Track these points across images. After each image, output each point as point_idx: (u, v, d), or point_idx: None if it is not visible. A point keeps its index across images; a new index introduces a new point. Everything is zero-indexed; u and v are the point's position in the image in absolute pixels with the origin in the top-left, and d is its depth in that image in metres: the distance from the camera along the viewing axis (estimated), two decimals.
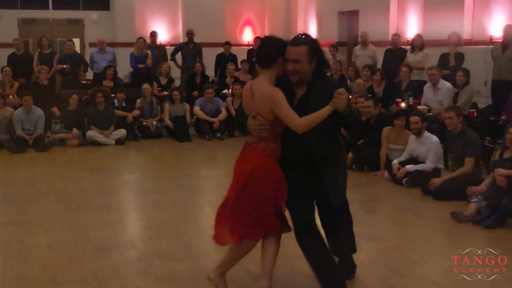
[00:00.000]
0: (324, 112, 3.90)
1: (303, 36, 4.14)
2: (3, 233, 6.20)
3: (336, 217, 4.36)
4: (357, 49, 13.29)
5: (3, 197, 7.70)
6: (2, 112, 10.83)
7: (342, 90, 3.91)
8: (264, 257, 4.25)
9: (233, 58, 14.33)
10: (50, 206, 7.07)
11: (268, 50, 4.11)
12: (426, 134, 7.97)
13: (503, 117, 9.07)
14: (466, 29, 11.82)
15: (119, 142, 11.09)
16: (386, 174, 8.24)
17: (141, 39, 13.57)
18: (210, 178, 8.96)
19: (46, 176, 8.87)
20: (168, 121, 11.71)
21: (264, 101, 4.01)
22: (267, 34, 15.48)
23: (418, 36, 11.66)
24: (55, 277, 4.86)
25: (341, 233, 4.48)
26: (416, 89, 10.37)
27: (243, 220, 4.17)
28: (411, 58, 11.41)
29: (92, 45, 14.48)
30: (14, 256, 5.41)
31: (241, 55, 14.85)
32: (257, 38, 14.74)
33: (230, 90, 12.62)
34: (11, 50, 12.86)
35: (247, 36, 17.38)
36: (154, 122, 11.86)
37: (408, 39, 12.28)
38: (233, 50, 14.86)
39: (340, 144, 4.33)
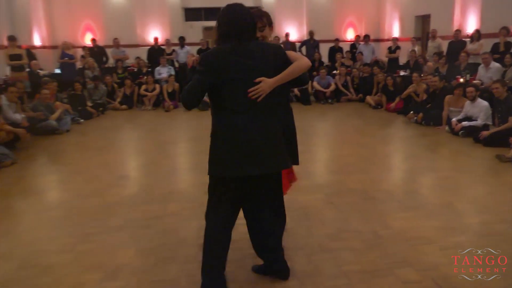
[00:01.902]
0: None
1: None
2: (196, 158, 6.38)
3: None
4: (429, 42, 12.56)
5: (194, 136, 8.11)
6: None
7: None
8: None
9: (340, 49, 13.99)
10: None
11: None
12: (479, 100, 7.41)
13: None
14: None
15: None
16: (446, 128, 7.79)
17: (276, 37, 13.56)
18: (322, 127, 8.95)
19: None
20: (296, 91, 11.66)
21: None
22: (364, 33, 14.99)
23: (476, 30, 10.78)
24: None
25: None
26: (472, 69, 9.75)
27: None
28: (470, 46, 10.61)
29: None
30: (203, 170, 5.74)
31: (346, 48, 14.41)
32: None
33: (338, 71, 12.35)
34: (198, 47, 13.38)
35: (350, 35, 16.81)
36: None
37: (468, 34, 11.39)
38: (340, 44, 14.51)
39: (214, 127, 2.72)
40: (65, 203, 4.69)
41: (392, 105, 9.96)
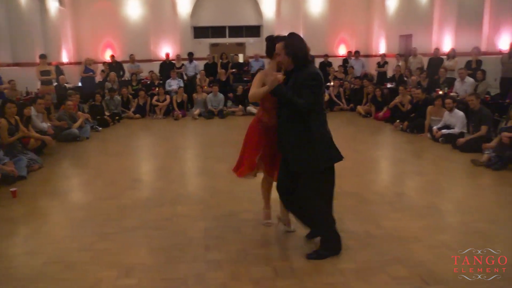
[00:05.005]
0: (262, 89, 3.17)
1: (286, 35, 3.18)
2: (203, 163, 6.43)
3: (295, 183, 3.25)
4: (410, 58, 12.48)
5: (201, 143, 8.07)
6: (200, 96, 11.17)
7: (267, 71, 3.26)
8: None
9: (329, 64, 13.85)
10: (227, 148, 7.07)
11: (268, 45, 3.37)
12: (456, 110, 7.33)
13: (508, 101, 8.26)
14: (483, 44, 10.71)
15: None
16: (428, 135, 7.70)
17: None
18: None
19: (224, 132, 9.06)
20: None
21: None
22: (355, 49, 14.87)
23: (452, 49, 10.76)
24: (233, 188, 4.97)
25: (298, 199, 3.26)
26: (449, 82, 9.67)
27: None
28: (446, 63, 10.53)
29: (250, 58, 14.52)
30: (209, 174, 5.63)
31: (336, 63, 14.28)
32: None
33: (332, 83, 12.16)
34: (205, 61, 13.27)
35: (342, 50, 16.66)
36: None
37: (445, 52, 11.34)
38: (333, 59, 14.38)
39: (307, 129, 3.17)
40: (86, 205, 4.58)
41: (380, 114, 9.86)
